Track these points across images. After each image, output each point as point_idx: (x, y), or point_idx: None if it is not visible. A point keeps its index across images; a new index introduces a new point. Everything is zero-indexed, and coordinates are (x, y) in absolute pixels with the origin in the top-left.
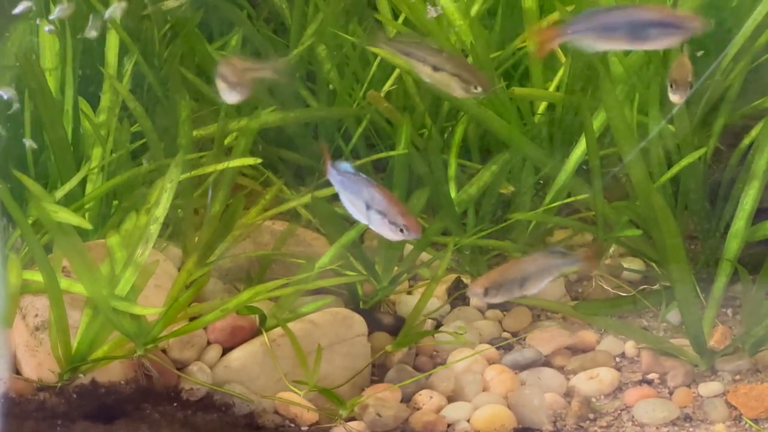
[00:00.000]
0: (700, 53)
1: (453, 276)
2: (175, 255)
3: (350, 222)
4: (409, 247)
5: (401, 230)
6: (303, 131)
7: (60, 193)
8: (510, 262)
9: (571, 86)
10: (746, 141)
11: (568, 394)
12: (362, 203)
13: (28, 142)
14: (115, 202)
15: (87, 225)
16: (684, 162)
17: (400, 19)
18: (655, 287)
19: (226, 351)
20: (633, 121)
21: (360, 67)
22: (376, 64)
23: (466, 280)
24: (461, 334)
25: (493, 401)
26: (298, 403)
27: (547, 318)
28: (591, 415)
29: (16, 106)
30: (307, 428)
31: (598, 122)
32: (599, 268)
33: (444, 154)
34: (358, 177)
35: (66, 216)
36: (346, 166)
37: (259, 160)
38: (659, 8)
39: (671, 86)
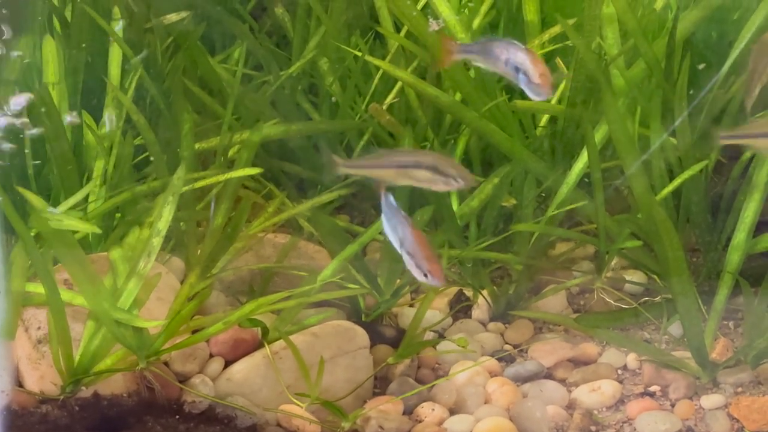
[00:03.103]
0: (701, 66)
1: (455, 289)
2: (177, 267)
3: (352, 235)
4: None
5: (425, 275)
6: (305, 144)
7: (63, 207)
8: None
9: (573, 99)
10: (748, 154)
11: (570, 407)
12: (397, 240)
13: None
14: (118, 215)
15: (95, 229)
16: (685, 175)
17: (402, 32)
18: (656, 300)
19: (228, 364)
20: (635, 134)
21: (362, 80)
22: (378, 77)
23: (467, 292)
24: (463, 347)
25: (495, 414)
26: (300, 415)
27: (549, 330)
28: (593, 428)
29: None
30: None
31: (599, 135)
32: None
33: None
34: (399, 214)
35: (73, 223)
36: (392, 199)
37: (260, 170)
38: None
39: None
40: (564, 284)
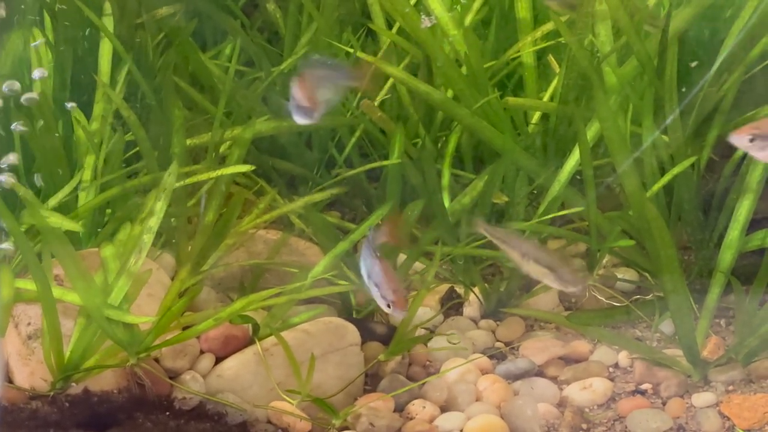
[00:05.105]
0: (694, 64)
1: (446, 286)
2: (168, 263)
3: (343, 231)
4: (402, 257)
5: (388, 305)
6: (296, 140)
7: (53, 202)
8: None
9: (565, 96)
10: (740, 152)
11: (561, 405)
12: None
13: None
14: (108, 211)
15: (78, 228)
16: (675, 170)
17: (394, 29)
18: (648, 297)
19: (219, 360)
20: (626, 132)
21: None
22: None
23: (459, 290)
24: (455, 343)
25: (486, 411)
26: (291, 412)
27: (540, 328)
28: (584, 426)
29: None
30: None
31: (591, 132)
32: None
33: (437, 163)
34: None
35: (58, 221)
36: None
37: (252, 167)
38: None
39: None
40: None
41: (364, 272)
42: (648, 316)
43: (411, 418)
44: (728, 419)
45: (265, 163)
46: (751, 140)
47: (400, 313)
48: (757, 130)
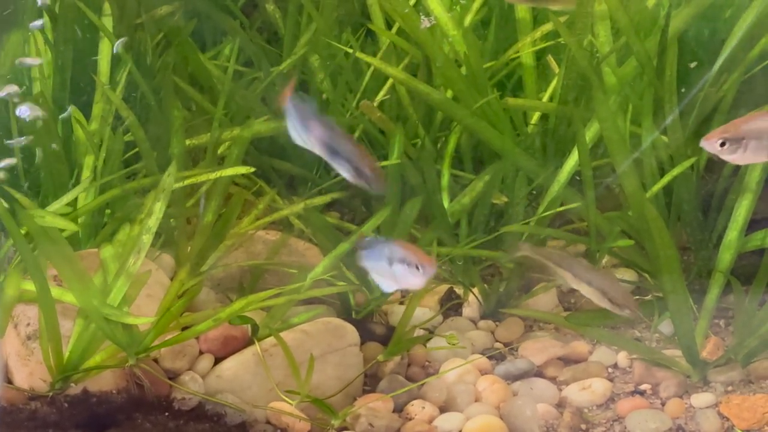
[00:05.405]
0: (693, 64)
1: (445, 287)
2: (167, 264)
3: (342, 232)
4: None
5: (417, 268)
6: None
7: (55, 206)
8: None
9: (565, 97)
10: None
11: (561, 405)
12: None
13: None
14: (108, 212)
15: (73, 227)
16: (675, 171)
17: (394, 29)
18: (647, 298)
19: (218, 361)
20: (626, 132)
21: (353, 77)
22: (369, 73)
23: (458, 290)
24: (454, 344)
25: (486, 412)
26: (290, 413)
27: (539, 328)
28: (583, 426)
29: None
30: None
31: (591, 133)
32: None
33: (437, 164)
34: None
35: (52, 220)
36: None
37: (252, 169)
38: None
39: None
40: (554, 282)
41: (379, 263)
42: (647, 317)
43: (410, 419)
44: (727, 420)
45: (264, 163)
46: (722, 144)
47: (432, 269)
48: (727, 133)
